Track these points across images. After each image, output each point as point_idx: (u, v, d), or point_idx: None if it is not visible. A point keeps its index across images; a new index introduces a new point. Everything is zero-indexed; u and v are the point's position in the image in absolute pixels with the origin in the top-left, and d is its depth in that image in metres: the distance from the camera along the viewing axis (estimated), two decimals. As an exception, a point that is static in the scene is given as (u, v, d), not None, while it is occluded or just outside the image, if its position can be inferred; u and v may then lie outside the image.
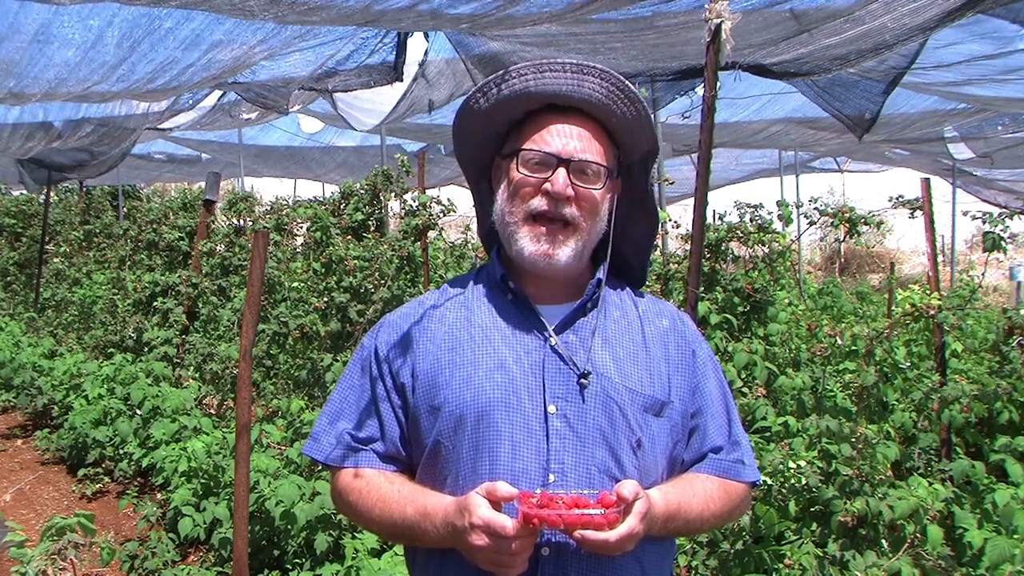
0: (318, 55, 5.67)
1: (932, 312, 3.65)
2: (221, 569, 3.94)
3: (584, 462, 1.43)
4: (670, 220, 5.55)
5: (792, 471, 3.04)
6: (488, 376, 1.47)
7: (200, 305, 6.81)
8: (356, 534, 3.67)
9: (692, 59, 5.08)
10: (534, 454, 1.43)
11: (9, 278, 11.59)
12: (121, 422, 5.43)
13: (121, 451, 5.43)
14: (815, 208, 5.13)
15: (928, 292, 3.69)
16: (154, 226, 8.33)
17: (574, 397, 1.46)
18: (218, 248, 6.89)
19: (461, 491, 1.40)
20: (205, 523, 4.08)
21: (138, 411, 5.46)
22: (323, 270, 5.82)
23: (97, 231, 10.66)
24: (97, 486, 5.53)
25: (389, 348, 1.57)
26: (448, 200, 5.87)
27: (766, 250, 5.03)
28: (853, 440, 3.08)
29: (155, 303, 6.86)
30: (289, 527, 3.69)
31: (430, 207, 5.73)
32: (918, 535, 2.93)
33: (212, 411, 5.92)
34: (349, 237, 6.14)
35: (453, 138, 1.63)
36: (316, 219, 6.07)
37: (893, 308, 5.01)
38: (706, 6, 3.07)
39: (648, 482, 1.46)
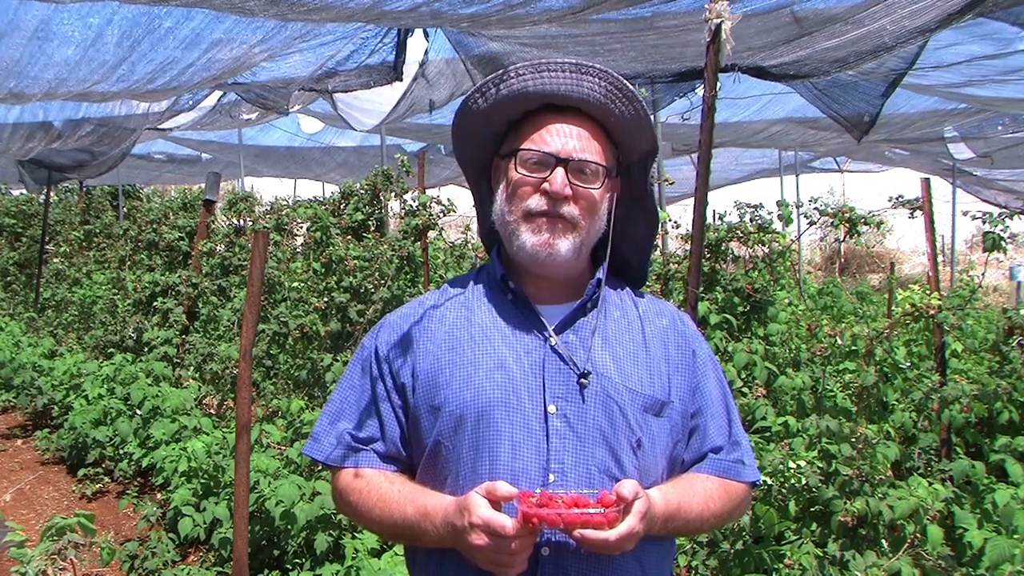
0: (318, 56, 5.68)
1: (932, 312, 3.65)
2: (221, 569, 3.94)
3: (584, 462, 1.43)
4: (670, 220, 5.55)
5: (792, 471, 3.04)
6: (488, 376, 1.47)
7: (200, 305, 6.81)
8: (356, 534, 3.67)
9: (691, 61, 5.08)
10: (534, 454, 1.43)
11: (9, 278, 11.59)
12: (121, 422, 5.43)
13: (121, 451, 5.43)
14: (815, 208, 5.13)
15: (928, 292, 3.69)
16: (154, 226, 8.33)
17: (574, 397, 1.46)
18: (218, 248, 6.88)
19: (461, 491, 1.40)
20: (205, 523, 4.08)
21: (138, 411, 5.46)
22: (323, 270, 5.82)
23: (97, 231, 10.66)
24: (97, 486, 5.53)
25: (389, 348, 1.57)
26: (448, 200, 5.87)
27: (766, 250, 5.03)
28: (853, 440, 3.08)
29: (155, 303, 6.86)
30: (289, 527, 3.69)
31: (430, 207, 5.73)
32: (918, 535, 2.94)
33: (212, 411, 5.92)
34: (349, 237, 6.13)
35: (452, 138, 1.63)
36: (316, 219, 6.07)
37: (893, 308, 5.01)
38: (706, 6, 3.07)
39: (648, 482, 1.46)
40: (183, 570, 3.89)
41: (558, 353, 1.49)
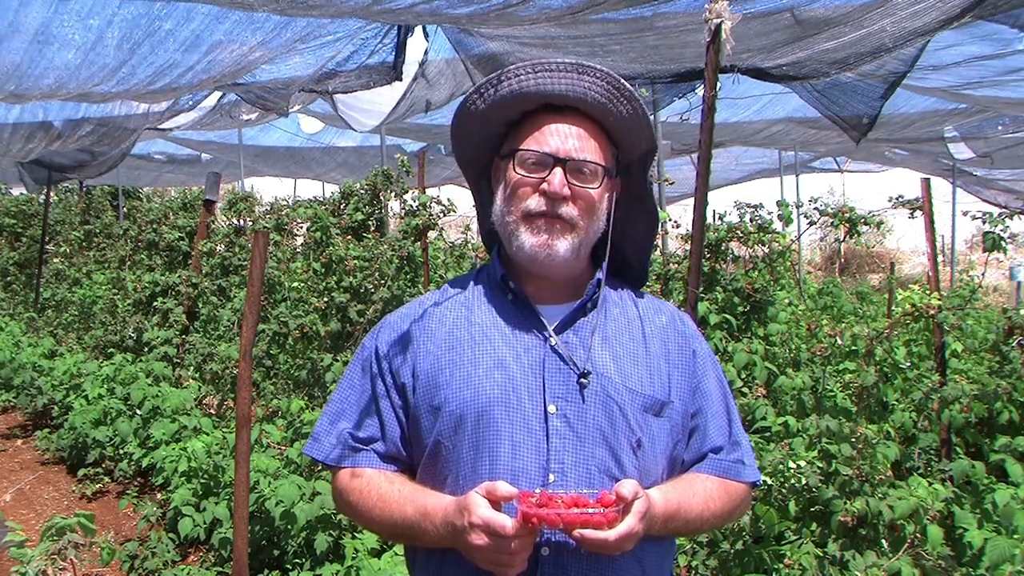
0: (318, 57, 5.67)
1: (932, 312, 3.66)
2: (221, 569, 3.94)
3: (584, 462, 1.43)
4: (670, 220, 5.55)
5: (792, 471, 3.04)
6: (488, 375, 1.47)
7: (200, 305, 6.81)
8: (356, 534, 3.68)
9: (691, 61, 5.08)
10: (534, 453, 1.43)
11: (9, 278, 11.59)
12: (121, 422, 5.43)
13: (121, 451, 5.43)
14: (815, 208, 5.13)
15: (928, 292, 3.69)
16: (154, 226, 8.33)
17: (574, 397, 1.46)
18: (218, 248, 6.89)
19: (461, 491, 1.40)
20: (205, 523, 4.08)
21: (138, 411, 5.46)
22: (323, 270, 5.82)
23: (97, 231, 10.67)
24: (97, 486, 5.53)
25: (390, 348, 1.58)
26: (448, 200, 5.87)
27: (766, 250, 5.04)
28: (853, 440, 3.08)
29: (155, 303, 6.86)
30: (289, 527, 3.69)
31: (430, 207, 5.73)
32: (918, 535, 2.93)
33: (212, 411, 5.92)
34: (349, 237, 6.14)
35: (451, 139, 1.63)
36: (316, 219, 6.07)
37: (893, 308, 5.01)
38: (706, 6, 3.07)
39: (648, 482, 1.46)
40: (183, 570, 3.89)
41: (558, 353, 1.49)
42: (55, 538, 3.07)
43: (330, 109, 8.56)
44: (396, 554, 3.41)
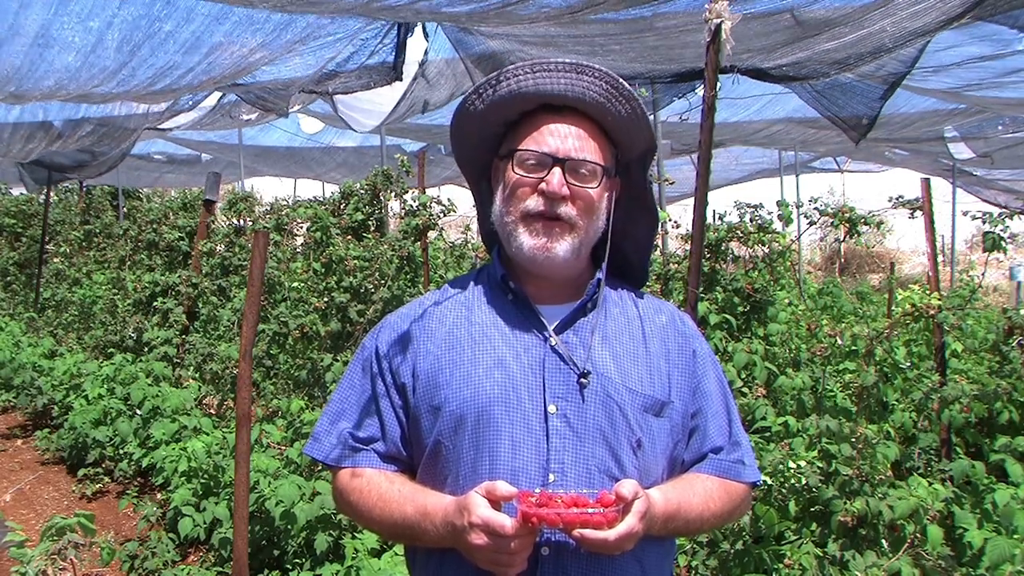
0: (318, 58, 5.67)
1: (932, 312, 3.66)
2: (221, 569, 3.94)
3: (584, 461, 1.43)
4: (670, 220, 5.55)
5: (792, 471, 3.04)
6: (487, 374, 1.47)
7: (200, 305, 6.81)
8: (356, 534, 3.68)
9: (691, 62, 5.08)
10: (534, 453, 1.43)
11: (9, 278, 11.59)
12: (121, 422, 5.43)
13: (121, 451, 5.43)
14: (815, 208, 5.13)
15: (928, 292, 3.69)
16: (154, 226, 8.33)
17: (574, 396, 1.46)
18: (218, 248, 6.89)
19: (461, 490, 1.41)
20: (205, 523, 4.08)
21: (138, 411, 5.46)
22: (323, 270, 5.82)
23: (97, 231, 10.67)
24: (97, 486, 5.53)
25: (390, 348, 1.58)
26: (448, 200, 5.87)
27: (766, 250, 5.03)
28: (853, 440, 3.08)
29: (155, 303, 6.86)
30: (289, 527, 3.69)
31: (430, 207, 5.73)
32: (918, 535, 2.94)
33: (212, 411, 5.92)
34: (349, 237, 6.14)
35: (450, 139, 1.63)
36: (316, 219, 6.07)
37: (893, 308, 5.01)
38: (706, 6, 3.07)
39: (648, 482, 1.46)
40: (183, 570, 3.89)
41: (558, 353, 1.49)
42: (55, 538, 3.07)
43: (330, 109, 8.56)
44: (396, 554, 3.41)
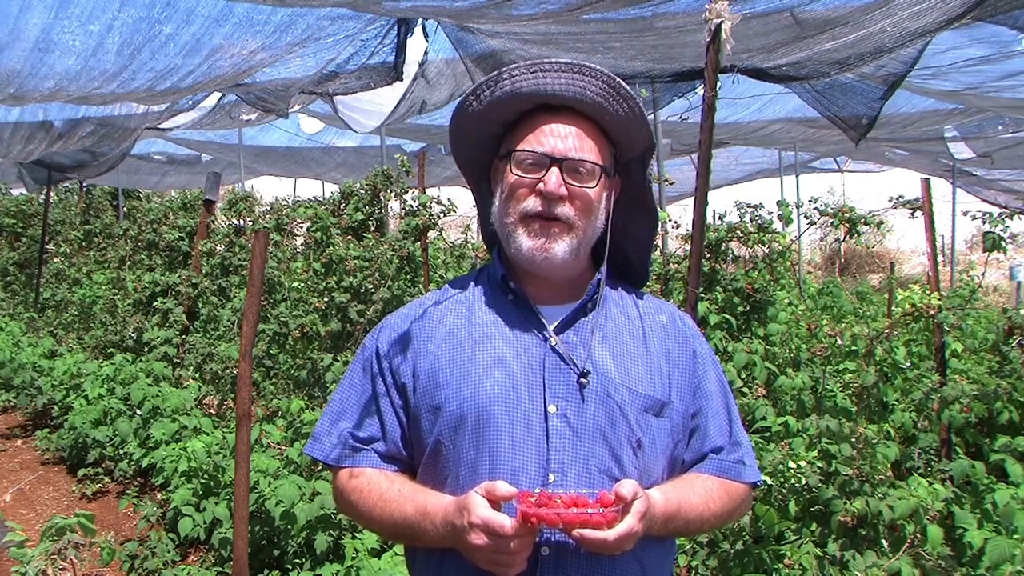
0: (319, 59, 5.66)
1: (932, 312, 3.66)
2: (221, 569, 3.94)
3: (584, 461, 1.43)
4: (670, 220, 5.55)
5: (792, 471, 3.04)
6: (488, 373, 1.47)
7: (200, 305, 6.81)
8: (356, 534, 3.68)
9: (691, 61, 5.07)
10: (534, 452, 1.43)
11: (9, 278, 11.59)
12: (121, 422, 5.43)
13: (121, 451, 5.43)
14: (815, 208, 5.12)
15: (928, 292, 3.69)
16: (154, 226, 8.34)
17: (574, 396, 1.46)
18: (218, 248, 6.89)
19: (461, 490, 1.41)
20: (205, 523, 4.08)
21: (138, 411, 5.46)
22: (323, 270, 5.83)
23: (97, 231, 10.67)
24: (97, 486, 5.53)
25: (390, 348, 1.58)
26: (448, 200, 5.87)
27: (766, 250, 5.03)
28: (853, 440, 3.08)
29: (155, 303, 6.86)
30: (289, 527, 3.69)
31: (430, 207, 5.73)
32: (918, 535, 2.93)
33: (212, 411, 5.92)
34: (349, 237, 6.14)
35: (449, 139, 1.63)
36: (316, 219, 6.07)
37: (893, 308, 5.01)
38: (706, 6, 3.07)
39: (648, 482, 1.46)
40: (183, 570, 3.89)
41: (558, 353, 1.49)
42: (55, 538, 3.07)
43: (330, 110, 8.56)
44: (396, 554, 3.41)
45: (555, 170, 1.48)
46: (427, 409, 1.50)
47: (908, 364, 4.51)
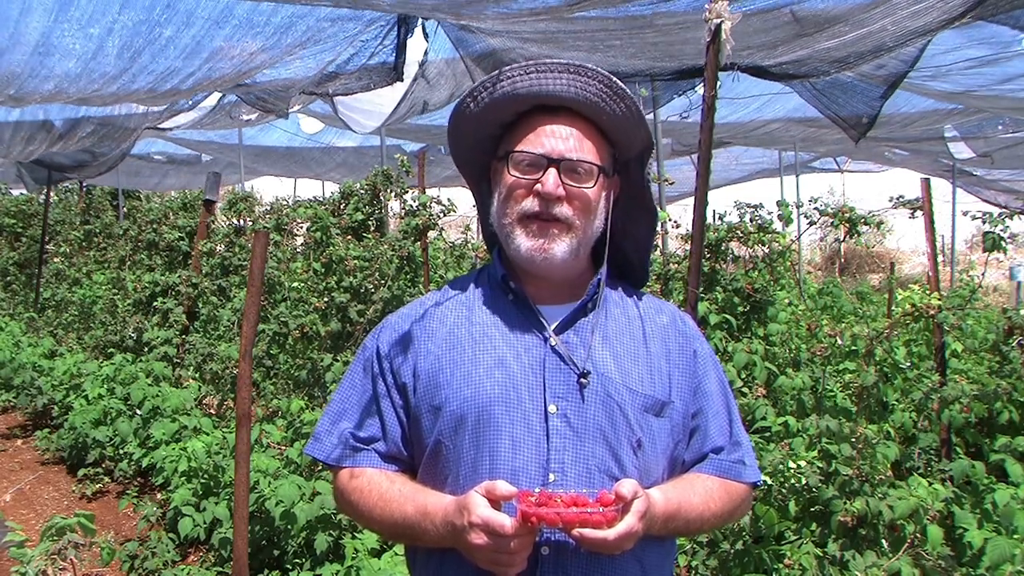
0: (319, 60, 5.66)
1: (932, 312, 3.65)
2: (221, 569, 3.94)
3: (584, 461, 1.43)
4: (670, 220, 5.54)
5: (792, 471, 3.04)
6: (488, 373, 1.47)
7: (200, 305, 6.81)
8: (356, 534, 3.68)
9: (691, 59, 5.07)
10: (534, 452, 1.43)
11: (9, 278, 11.59)
12: (121, 422, 5.43)
13: (121, 451, 5.43)
14: (815, 208, 5.12)
15: (928, 292, 3.69)
16: (154, 226, 8.34)
17: (574, 396, 1.46)
18: (218, 248, 6.89)
19: (462, 490, 1.41)
20: (205, 523, 4.08)
21: (138, 411, 5.46)
22: (323, 270, 5.83)
23: (97, 231, 10.67)
24: (97, 486, 5.53)
25: (391, 348, 1.58)
26: (448, 200, 5.87)
27: (766, 250, 5.03)
28: (853, 440, 3.08)
29: (155, 303, 6.86)
30: (289, 527, 3.69)
31: (430, 207, 5.73)
32: (918, 535, 2.93)
33: (212, 411, 5.92)
34: (349, 237, 6.14)
35: (448, 140, 1.63)
36: (316, 219, 6.07)
37: (893, 308, 5.01)
38: (706, 6, 3.07)
39: (649, 482, 1.46)
40: (183, 570, 3.89)
41: (558, 353, 1.49)
42: (55, 538, 3.07)
43: (330, 110, 8.55)
44: (396, 554, 3.41)
45: (553, 171, 1.48)
46: (427, 409, 1.50)
47: (908, 364, 4.51)
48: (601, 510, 1.29)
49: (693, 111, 6.24)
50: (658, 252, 5.30)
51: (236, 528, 3.00)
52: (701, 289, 4.07)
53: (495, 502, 1.32)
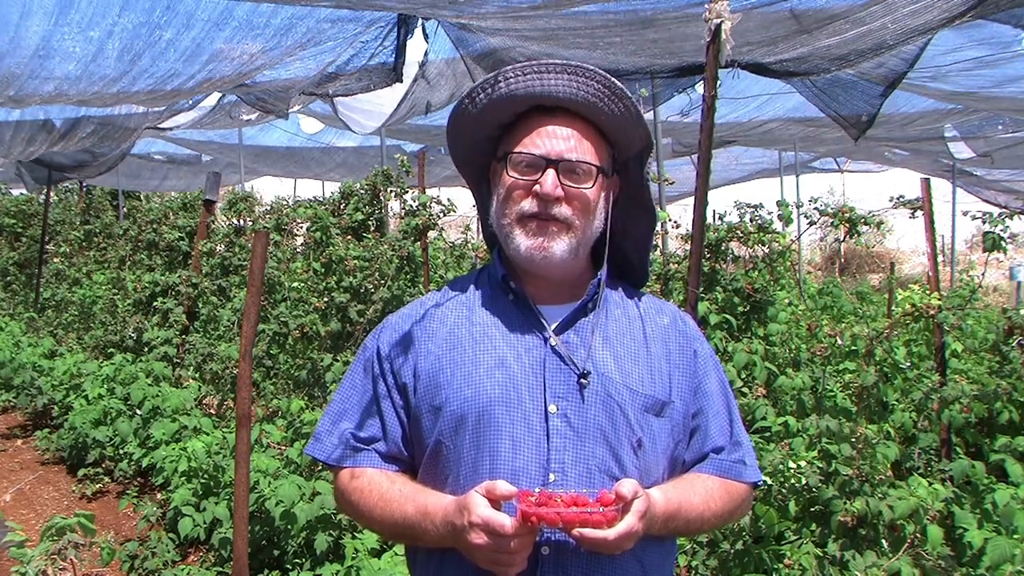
0: (319, 61, 5.66)
1: (932, 312, 3.65)
2: (221, 569, 3.94)
3: (584, 461, 1.43)
4: (670, 220, 5.54)
5: (792, 471, 3.04)
6: (488, 373, 1.47)
7: (200, 305, 6.81)
8: (356, 534, 3.68)
9: (690, 56, 5.05)
10: (535, 452, 1.43)
11: (9, 278, 11.59)
12: (121, 422, 5.43)
13: (121, 451, 5.43)
14: (815, 208, 5.12)
15: (928, 292, 3.69)
16: (154, 226, 8.34)
17: (574, 396, 1.46)
18: (218, 248, 6.89)
19: (462, 490, 1.41)
20: (205, 523, 4.08)
21: (138, 411, 5.46)
22: (323, 270, 5.83)
23: (97, 231, 10.67)
24: (97, 486, 5.53)
25: (391, 348, 1.58)
26: (448, 200, 5.87)
27: (766, 250, 5.03)
28: (853, 440, 3.08)
29: (155, 303, 6.86)
30: (289, 527, 3.69)
31: (430, 207, 5.73)
32: (918, 535, 2.93)
33: (212, 411, 5.92)
34: (349, 237, 6.14)
35: (447, 141, 1.63)
36: (316, 219, 6.08)
37: (893, 308, 5.01)
38: (706, 6, 3.07)
39: (649, 482, 1.46)
40: (183, 570, 3.89)
41: (558, 353, 1.49)
42: (55, 538, 3.07)
43: (330, 110, 8.55)
44: (396, 554, 3.41)
45: (551, 171, 1.48)
46: (428, 409, 1.50)
47: (908, 364, 4.51)
48: (601, 510, 1.29)
49: (693, 110, 6.23)
50: (658, 252, 5.30)
51: (236, 528, 3.00)
52: (701, 289, 4.07)
53: (495, 502, 1.32)
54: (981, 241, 4.75)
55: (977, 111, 7.98)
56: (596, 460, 1.44)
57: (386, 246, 5.75)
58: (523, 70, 1.49)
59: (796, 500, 3.10)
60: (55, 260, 10.69)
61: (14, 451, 6.60)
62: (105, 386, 5.83)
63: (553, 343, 1.50)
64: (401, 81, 5.85)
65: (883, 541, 2.95)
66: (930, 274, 4.11)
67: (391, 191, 6.16)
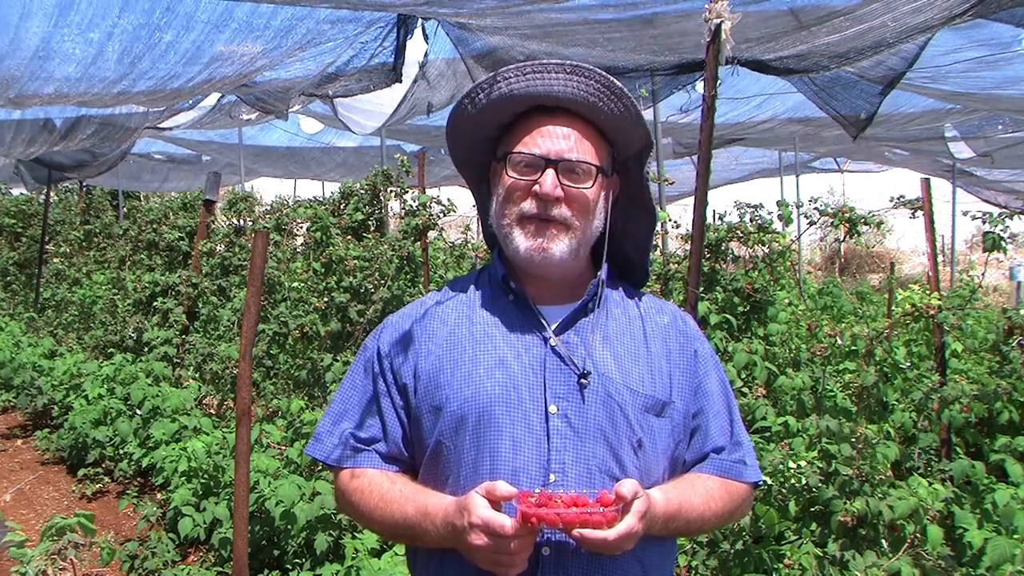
0: (319, 63, 5.66)
1: (932, 312, 3.65)
2: (221, 569, 3.94)
3: (584, 461, 1.43)
4: (670, 220, 5.54)
5: (792, 471, 3.04)
6: (488, 373, 1.47)
7: (200, 305, 6.81)
8: (356, 534, 3.68)
9: (690, 52, 5.04)
10: (535, 452, 1.43)
11: (9, 278, 11.59)
12: (121, 422, 5.43)
13: (121, 451, 5.43)
14: (815, 208, 5.12)
15: (928, 292, 3.69)
16: (154, 226, 8.34)
17: (574, 397, 1.46)
18: (218, 248, 6.89)
19: (462, 490, 1.41)
20: (205, 523, 4.08)
21: (138, 411, 5.46)
22: (323, 270, 5.83)
23: (97, 231, 10.67)
24: (97, 486, 5.53)
25: (391, 349, 1.58)
26: (448, 200, 5.87)
27: (766, 250, 5.03)
28: (853, 440, 3.08)
29: (155, 303, 6.86)
30: (289, 527, 3.69)
31: (430, 207, 5.73)
32: (918, 535, 2.94)
33: (212, 411, 5.92)
34: (349, 237, 6.14)
35: (447, 142, 1.63)
36: (316, 219, 6.07)
37: (893, 308, 5.01)
38: (706, 6, 3.07)
39: (649, 482, 1.46)
40: (183, 570, 3.89)
41: (558, 353, 1.49)
42: (55, 538, 3.07)
43: (330, 111, 8.55)
44: (396, 554, 3.41)
45: (550, 172, 1.48)
46: (428, 409, 1.50)
47: (908, 364, 4.51)
48: (601, 510, 1.29)
49: (693, 108, 6.23)
50: (658, 252, 5.30)
51: (236, 528, 3.00)
52: (701, 289, 4.07)
53: (495, 503, 1.32)
54: (981, 241, 4.75)
55: (977, 111, 7.98)
56: (596, 460, 1.44)
57: (386, 246, 5.75)
58: (522, 70, 1.48)
59: (796, 500, 3.10)
60: (55, 260, 10.69)
61: (14, 451, 6.60)
62: (105, 386, 5.83)
63: (553, 343, 1.50)
64: (401, 82, 5.85)
65: (883, 541, 2.95)
66: (930, 274, 4.11)
67: (391, 191, 6.16)
